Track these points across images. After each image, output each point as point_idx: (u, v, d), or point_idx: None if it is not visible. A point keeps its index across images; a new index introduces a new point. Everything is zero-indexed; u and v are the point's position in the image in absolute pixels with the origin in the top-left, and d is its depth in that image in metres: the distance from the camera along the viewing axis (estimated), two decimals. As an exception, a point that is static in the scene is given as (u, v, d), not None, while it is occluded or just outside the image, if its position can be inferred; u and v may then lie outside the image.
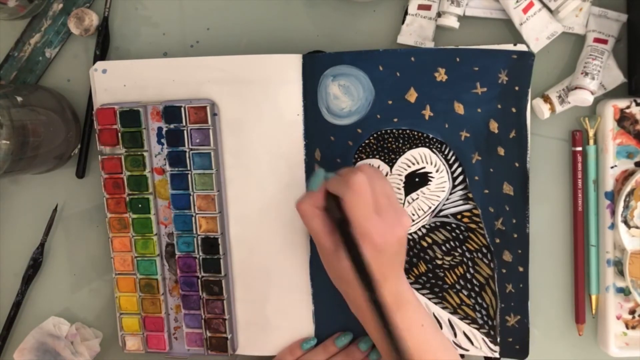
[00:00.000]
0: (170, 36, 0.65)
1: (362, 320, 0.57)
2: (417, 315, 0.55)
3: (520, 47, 0.58)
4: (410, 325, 0.55)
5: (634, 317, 0.62)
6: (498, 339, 0.62)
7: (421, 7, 0.61)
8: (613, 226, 0.60)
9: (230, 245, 0.63)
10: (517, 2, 0.59)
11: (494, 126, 0.59)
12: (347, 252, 0.53)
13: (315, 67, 0.60)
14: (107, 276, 0.68)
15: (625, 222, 0.60)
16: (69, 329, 0.67)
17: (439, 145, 0.60)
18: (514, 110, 0.59)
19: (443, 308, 0.62)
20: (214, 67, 0.61)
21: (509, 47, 0.58)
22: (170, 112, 0.61)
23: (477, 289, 0.61)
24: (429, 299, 0.62)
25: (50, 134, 0.62)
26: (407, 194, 0.61)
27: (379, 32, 0.62)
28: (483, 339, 0.62)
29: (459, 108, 0.59)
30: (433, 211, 0.61)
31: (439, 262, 0.62)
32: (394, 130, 0.60)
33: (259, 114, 0.61)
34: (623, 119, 0.60)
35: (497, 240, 0.61)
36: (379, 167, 0.61)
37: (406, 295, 0.56)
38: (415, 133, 0.60)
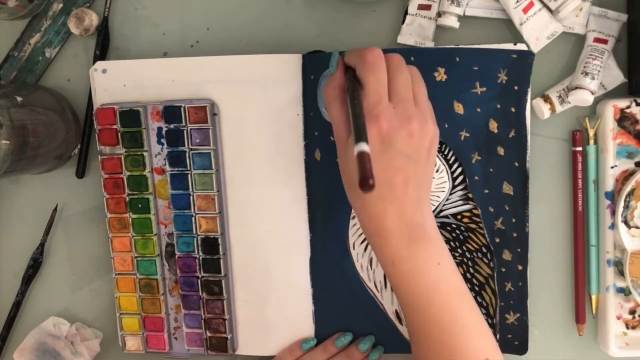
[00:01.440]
0: (170, 36, 0.65)
1: (371, 245, 0.51)
2: (434, 252, 0.49)
3: (520, 47, 0.58)
4: (425, 261, 0.49)
5: (634, 317, 0.61)
6: (497, 337, 0.62)
7: (421, 7, 0.61)
8: (613, 226, 0.60)
9: (230, 245, 0.63)
10: (517, 2, 0.58)
11: (493, 126, 0.59)
12: (352, 133, 0.45)
13: (315, 67, 0.60)
14: (107, 276, 0.68)
15: (626, 222, 0.60)
16: (69, 329, 0.67)
17: (439, 145, 0.60)
18: (513, 109, 0.59)
19: (443, 308, 0.62)
20: (214, 67, 0.61)
21: (509, 46, 0.58)
22: (170, 112, 0.61)
23: (477, 288, 0.61)
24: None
25: (50, 134, 0.62)
26: (407, 194, 0.61)
27: (379, 32, 0.62)
28: (483, 338, 0.62)
29: (459, 108, 0.59)
30: (433, 212, 0.61)
31: (439, 262, 0.61)
32: (394, 130, 0.60)
33: (259, 114, 0.61)
34: (623, 119, 0.60)
35: (497, 240, 0.61)
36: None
37: (425, 229, 0.49)
38: (415, 133, 0.60)
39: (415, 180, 0.48)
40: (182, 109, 0.61)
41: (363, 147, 0.42)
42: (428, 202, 0.51)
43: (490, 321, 0.62)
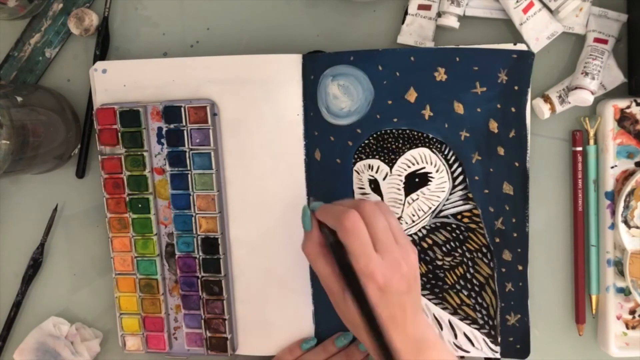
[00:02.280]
0: (170, 36, 0.65)
1: None
2: (440, 356, 0.53)
3: (520, 47, 0.58)
4: None
5: (634, 317, 0.61)
6: (499, 339, 0.62)
7: (421, 7, 0.61)
8: (613, 226, 0.60)
9: (230, 245, 0.63)
10: (517, 2, 0.58)
11: (493, 126, 0.59)
12: (350, 294, 0.51)
13: (315, 67, 0.60)
14: (107, 276, 0.68)
15: (626, 222, 0.60)
16: (69, 329, 0.67)
17: (439, 145, 0.60)
18: (513, 109, 0.59)
19: (443, 309, 0.62)
20: (214, 67, 0.61)
21: (509, 46, 0.58)
22: (170, 112, 0.61)
23: (477, 288, 0.61)
24: (429, 299, 0.62)
25: (50, 134, 0.62)
26: (407, 194, 0.61)
27: (379, 32, 0.62)
28: (484, 339, 0.62)
29: (459, 108, 0.59)
30: (433, 212, 0.61)
31: (439, 262, 0.61)
32: (394, 130, 0.60)
33: (259, 114, 0.61)
34: (623, 118, 0.60)
35: (497, 240, 0.61)
36: (378, 167, 0.61)
37: (427, 337, 0.53)
38: (415, 133, 0.60)
39: (411, 305, 0.53)
40: (182, 109, 0.61)
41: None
42: (422, 311, 0.56)
43: (490, 323, 0.62)
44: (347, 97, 0.60)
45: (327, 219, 0.54)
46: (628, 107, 0.59)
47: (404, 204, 0.61)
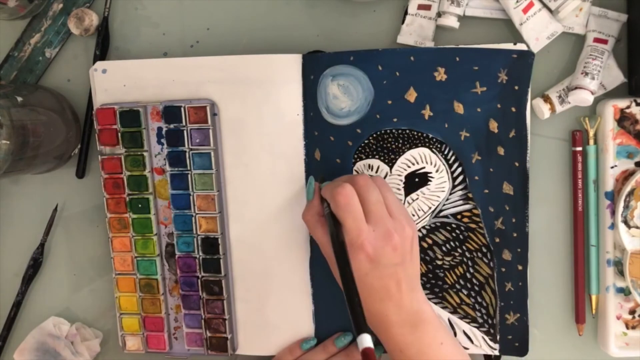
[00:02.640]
0: (170, 36, 0.65)
1: (380, 337, 0.56)
2: (436, 333, 0.54)
3: (520, 47, 0.58)
4: (429, 343, 0.54)
5: (634, 317, 0.61)
6: (498, 337, 0.62)
7: (421, 7, 0.61)
8: (613, 226, 0.60)
9: (230, 245, 0.63)
10: (517, 2, 0.59)
11: (493, 126, 0.59)
12: (335, 258, 0.52)
13: (315, 67, 0.60)
14: (107, 276, 0.68)
15: (626, 222, 0.60)
16: (69, 329, 0.68)
17: (439, 145, 0.60)
18: (513, 109, 0.59)
19: (443, 308, 0.62)
20: (214, 67, 0.61)
21: (509, 46, 0.58)
22: (170, 112, 0.61)
23: (476, 288, 0.61)
24: (429, 299, 0.62)
25: (50, 134, 0.62)
26: (407, 194, 0.61)
27: (379, 32, 0.62)
28: (483, 337, 0.62)
29: (459, 108, 0.59)
30: (433, 211, 0.61)
31: (439, 262, 0.62)
32: (394, 130, 0.60)
33: (259, 114, 0.61)
34: (623, 118, 0.60)
35: (497, 240, 0.61)
36: (378, 167, 0.61)
37: (424, 313, 0.54)
38: (415, 133, 0.60)
39: (406, 278, 0.54)
40: (182, 109, 0.61)
41: (365, 342, 0.46)
42: (420, 287, 0.56)
43: (490, 322, 0.62)
44: (347, 97, 0.60)
45: (325, 193, 0.56)
46: (628, 107, 0.59)
47: (403, 204, 0.61)
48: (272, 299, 0.64)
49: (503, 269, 0.61)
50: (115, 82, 0.63)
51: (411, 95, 0.60)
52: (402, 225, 0.54)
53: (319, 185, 0.59)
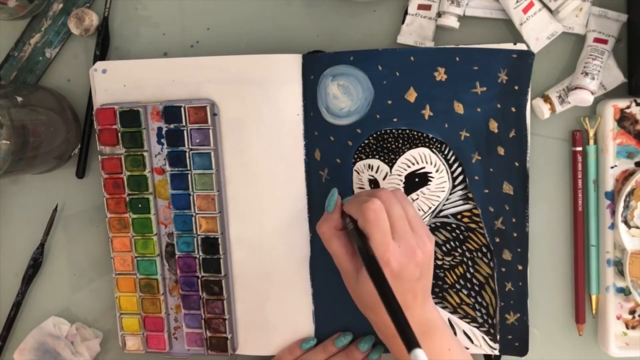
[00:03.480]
0: (170, 36, 0.65)
1: (390, 347, 0.56)
2: (444, 340, 0.56)
3: (520, 47, 0.58)
4: (438, 350, 0.55)
5: (634, 317, 0.61)
6: (498, 337, 0.62)
7: (421, 7, 0.61)
8: (613, 226, 0.60)
9: (230, 245, 0.63)
10: (517, 2, 0.59)
11: (493, 126, 0.59)
12: (370, 275, 0.51)
13: (315, 67, 0.60)
14: (107, 276, 0.68)
15: (626, 222, 0.60)
16: (69, 329, 0.68)
17: (439, 145, 0.60)
18: (513, 109, 0.59)
19: (443, 308, 0.62)
20: (214, 67, 0.61)
21: (509, 46, 0.58)
22: (170, 112, 0.61)
23: (477, 288, 0.61)
24: (429, 299, 0.62)
25: (50, 134, 0.62)
26: (407, 194, 0.61)
27: (379, 32, 0.62)
28: (483, 337, 0.62)
29: (459, 108, 0.59)
30: (433, 211, 0.61)
31: (439, 262, 0.62)
32: (394, 130, 0.60)
33: (259, 114, 0.61)
34: (623, 119, 0.60)
35: (497, 240, 0.61)
36: (378, 167, 0.61)
37: (434, 321, 0.55)
38: (415, 133, 0.60)
39: (422, 290, 0.55)
40: (182, 109, 0.61)
41: (420, 358, 0.45)
42: (430, 297, 0.57)
43: (490, 321, 0.62)
44: (347, 97, 0.60)
45: (350, 209, 0.56)
46: (628, 107, 0.59)
47: (404, 204, 0.61)
48: (272, 299, 0.64)
49: (503, 269, 0.61)
50: (115, 82, 0.63)
51: (411, 95, 0.60)
52: (423, 241, 0.54)
53: (341, 198, 0.58)
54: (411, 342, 0.46)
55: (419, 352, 0.45)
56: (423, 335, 0.53)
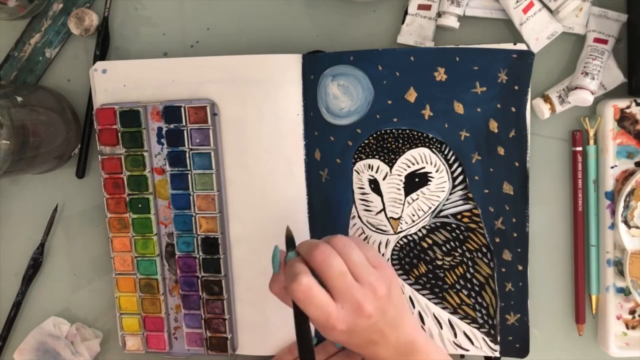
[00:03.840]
0: (170, 36, 0.65)
1: None
2: (427, 358, 0.54)
3: (520, 47, 0.58)
4: None
5: (634, 317, 0.61)
6: (498, 338, 0.62)
7: (421, 7, 0.61)
8: (613, 226, 0.60)
9: (230, 245, 0.63)
10: (517, 2, 0.59)
11: (493, 126, 0.59)
12: (296, 334, 0.52)
13: (315, 67, 0.60)
14: (107, 276, 0.68)
15: (626, 222, 0.60)
16: (69, 329, 0.68)
17: (439, 145, 0.60)
18: (513, 109, 0.59)
19: (443, 308, 0.62)
20: (214, 67, 0.61)
21: (509, 46, 0.58)
22: (170, 112, 0.61)
23: (477, 288, 0.61)
24: (429, 299, 0.62)
25: (50, 134, 0.62)
26: (407, 194, 0.61)
27: (379, 32, 0.62)
28: (483, 338, 0.62)
29: (459, 108, 0.59)
30: (433, 211, 0.61)
31: (439, 262, 0.61)
32: (394, 130, 0.60)
33: (259, 114, 0.61)
34: (623, 119, 0.60)
35: (497, 240, 0.61)
36: (378, 167, 0.61)
37: (414, 343, 0.54)
38: (415, 133, 0.60)
39: (388, 325, 0.53)
40: (182, 109, 0.61)
41: None
42: (407, 315, 0.55)
43: (490, 322, 0.62)
44: (347, 97, 0.60)
45: (302, 249, 0.53)
46: (628, 107, 0.59)
47: (403, 204, 0.61)
48: (272, 299, 0.63)
49: (503, 269, 0.61)
50: (115, 82, 0.63)
51: (411, 95, 0.60)
52: (372, 288, 0.52)
53: (284, 257, 0.55)
54: None
55: None
56: (404, 357, 0.54)
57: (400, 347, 0.54)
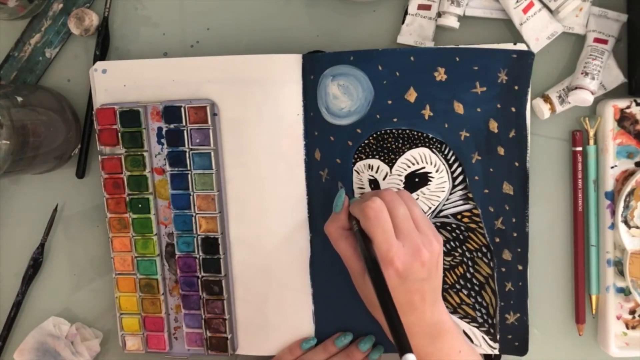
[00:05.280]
0: (170, 36, 0.65)
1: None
2: (455, 342, 0.56)
3: (520, 47, 0.58)
4: (448, 352, 0.55)
5: (634, 317, 0.61)
6: (498, 337, 0.62)
7: (421, 7, 0.61)
8: (613, 226, 0.60)
9: (230, 245, 0.63)
10: (517, 2, 0.59)
11: (493, 126, 0.59)
12: (370, 278, 0.52)
13: (315, 67, 0.60)
14: (107, 276, 0.68)
15: (626, 222, 0.60)
16: (69, 329, 0.68)
17: (439, 145, 0.60)
18: (513, 109, 0.59)
19: (443, 308, 0.62)
20: (214, 67, 0.61)
21: (509, 46, 0.58)
22: (170, 112, 0.61)
23: (477, 288, 0.61)
24: (429, 299, 0.62)
25: (50, 134, 0.62)
26: (407, 194, 0.61)
27: (379, 32, 0.62)
28: (483, 337, 0.62)
29: (459, 108, 0.59)
30: (433, 212, 0.61)
31: (439, 262, 0.62)
32: (394, 130, 0.60)
33: (259, 114, 0.61)
34: (623, 119, 0.60)
35: (497, 240, 0.61)
36: (378, 167, 0.61)
37: (444, 324, 0.55)
38: (415, 133, 0.60)
39: (430, 292, 0.55)
40: (182, 109, 0.61)
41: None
42: (441, 298, 0.57)
43: (490, 321, 0.62)
44: (347, 97, 0.60)
45: (354, 209, 0.56)
46: (628, 107, 0.59)
47: (404, 204, 0.61)
48: (272, 299, 0.64)
49: (503, 269, 0.61)
50: (115, 82, 0.63)
51: (411, 95, 0.60)
52: (429, 240, 0.54)
53: (348, 199, 0.58)
54: (403, 347, 0.47)
55: (409, 357, 0.46)
56: (432, 338, 0.54)
57: (431, 327, 0.55)
